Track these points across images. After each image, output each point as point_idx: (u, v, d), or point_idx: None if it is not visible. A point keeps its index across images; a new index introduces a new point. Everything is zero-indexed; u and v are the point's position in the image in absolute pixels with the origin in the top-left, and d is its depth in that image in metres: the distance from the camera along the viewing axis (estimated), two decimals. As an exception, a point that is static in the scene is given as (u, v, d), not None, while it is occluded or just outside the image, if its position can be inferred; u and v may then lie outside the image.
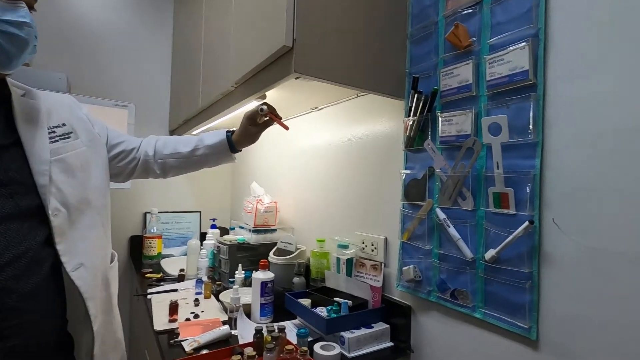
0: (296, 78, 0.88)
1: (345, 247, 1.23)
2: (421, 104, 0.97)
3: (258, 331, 0.92)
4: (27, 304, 0.69)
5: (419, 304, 1.00)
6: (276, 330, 0.92)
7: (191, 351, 0.93)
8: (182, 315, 1.16)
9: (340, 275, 1.20)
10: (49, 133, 0.80)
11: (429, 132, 0.96)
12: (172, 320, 1.11)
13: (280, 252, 1.46)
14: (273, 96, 1.23)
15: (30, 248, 0.70)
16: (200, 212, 2.29)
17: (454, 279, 0.88)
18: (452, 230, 0.88)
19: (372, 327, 1.02)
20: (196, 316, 1.17)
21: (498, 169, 0.78)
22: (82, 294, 0.76)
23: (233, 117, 1.57)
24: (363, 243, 1.19)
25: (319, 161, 1.49)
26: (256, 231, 1.59)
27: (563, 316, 0.69)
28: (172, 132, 2.16)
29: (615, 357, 0.62)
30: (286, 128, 1.02)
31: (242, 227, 1.69)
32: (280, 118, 1.03)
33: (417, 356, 1.00)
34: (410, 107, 1.00)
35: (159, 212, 2.05)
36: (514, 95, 0.77)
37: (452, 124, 0.89)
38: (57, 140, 0.81)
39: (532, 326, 0.73)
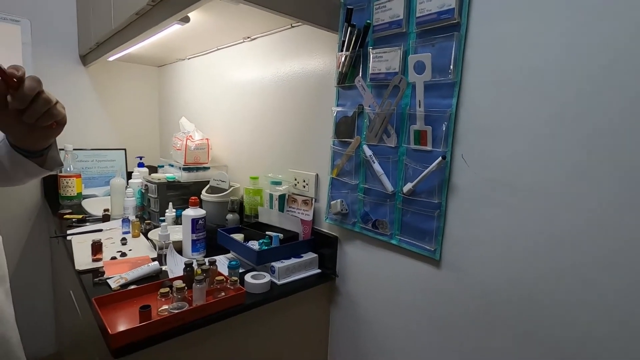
0: (220, -2, 0.80)
1: (278, 183, 1.25)
2: (354, 39, 0.94)
3: (188, 265, 0.93)
4: None
5: (345, 234, 1.08)
6: (207, 264, 0.94)
7: (118, 287, 0.92)
8: (107, 254, 1.12)
9: (273, 210, 1.23)
10: None
11: (360, 69, 0.96)
12: (95, 260, 1.07)
13: (214, 190, 1.43)
14: (199, 20, 1.11)
15: None
16: (125, 149, 2.12)
17: (376, 210, 0.96)
18: (377, 166, 0.93)
19: (302, 257, 1.09)
20: (123, 255, 1.14)
21: (420, 107, 0.82)
22: None
23: (153, 44, 1.41)
24: (295, 180, 1.22)
25: (252, 97, 1.43)
26: (187, 169, 1.53)
27: (459, 238, 0.80)
28: (83, 57, 1.88)
29: (492, 267, 0.74)
30: (12, 83, 0.54)
31: (172, 165, 1.62)
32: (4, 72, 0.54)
33: (341, 280, 1.10)
34: (344, 42, 0.97)
35: (75, 150, 1.86)
36: (440, 33, 0.79)
37: (382, 60, 0.89)
38: None
39: (436, 248, 0.84)
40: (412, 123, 0.85)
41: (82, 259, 1.08)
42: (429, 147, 0.83)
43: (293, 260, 1.06)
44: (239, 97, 1.51)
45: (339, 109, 1.02)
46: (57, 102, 0.62)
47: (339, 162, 1.04)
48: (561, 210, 0.65)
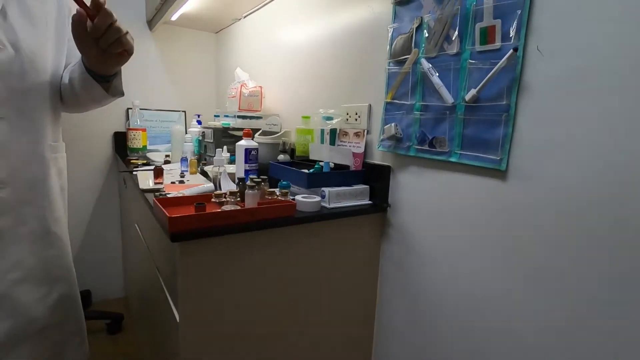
0: None
1: (329, 119, 1.23)
2: (414, -56, 0.89)
3: (241, 179, 0.95)
4: None
5: (398, 162, 1.03)
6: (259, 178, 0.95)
7: (176, 199, 0.96)
8: (167, 180, 1.18)
9: (324, 145, 1.21)
10: None
11: (420, -24, 0.90)
12: (157, 183, 1.14)
13: (266, 134, 1.45)
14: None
15: None
16: (185, 111, 2.24)
17: (433, 128, 0.90)
18: (435, 79, 0.87)
19: (352, 186, 1.06)
20: (181, 182, 1.19)
21: (488, -1, 0.75)
22: None
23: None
24: (347, 114, 1.19)
25: (304, 45, 1.42)
26: (241, 116, 1.57)
27: (531, 143, 0.72)
28: (149, 22, 2.02)
29: (569, 173, 0.65)
30: (89, 14, 0.68)
31: (227, 116, 1.67)
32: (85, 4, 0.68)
33: (393, 210, 1.05)
34: (402, -49, 0.92)
35: (141, 109, 2.00)
36: None
37: (444, -41, 0.83)
38: None
39: (503, 158, 0.76)
40: (479, 21, 0.77)
41: (145, 183, 1.15)
42: (497, 44, 0.75)
43: (344, 188, 1.04)
44: (291, 48, 1.51)
45: (395, 25, 0.97)
46: (127, 32, 0.74)
47: (394, 83, 0.99)
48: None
